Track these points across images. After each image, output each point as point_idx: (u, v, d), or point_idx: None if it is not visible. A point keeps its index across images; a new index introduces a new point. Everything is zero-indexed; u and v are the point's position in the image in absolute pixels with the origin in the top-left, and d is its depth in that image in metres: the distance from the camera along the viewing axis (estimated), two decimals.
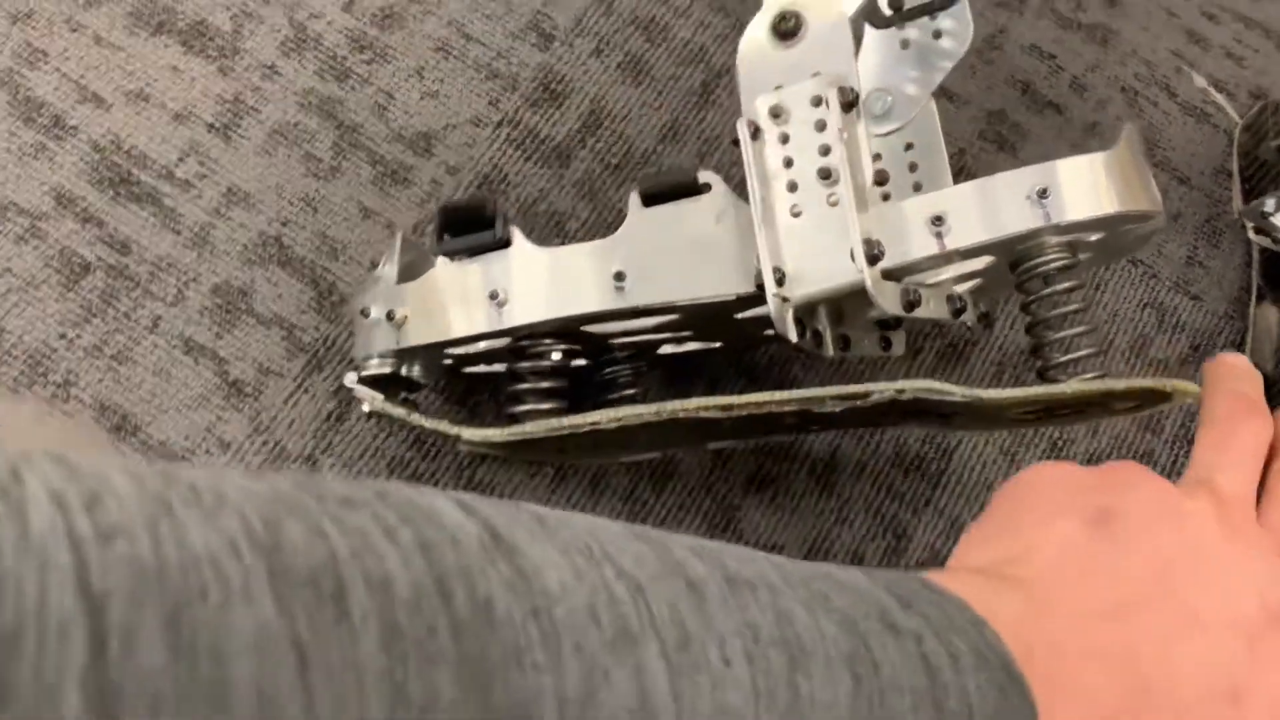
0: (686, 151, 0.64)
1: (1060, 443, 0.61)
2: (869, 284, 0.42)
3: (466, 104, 0.63)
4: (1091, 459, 0.61)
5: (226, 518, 0.18)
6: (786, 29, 0.45)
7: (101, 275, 0.57)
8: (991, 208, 0.43)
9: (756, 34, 0.46)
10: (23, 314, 0.56)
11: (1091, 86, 0.70)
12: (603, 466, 0.57)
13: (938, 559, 0.58)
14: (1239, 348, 0.65)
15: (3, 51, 0.59)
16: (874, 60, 0.56)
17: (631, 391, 0.54)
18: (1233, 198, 0.68)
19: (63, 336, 0.56)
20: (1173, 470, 0.62)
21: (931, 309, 0.46)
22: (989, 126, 0.68)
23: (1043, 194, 0.43)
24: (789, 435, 0.57)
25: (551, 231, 0.61)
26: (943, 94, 0.68)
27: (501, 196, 0.61)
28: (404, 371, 0.51)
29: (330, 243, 0.59)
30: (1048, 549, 0.33)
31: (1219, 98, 0.71)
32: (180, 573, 0.16)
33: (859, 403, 0.43)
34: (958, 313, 0.47)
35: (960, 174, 0.67)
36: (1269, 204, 0.61)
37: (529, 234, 0.61)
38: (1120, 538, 0.33)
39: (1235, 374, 0.43)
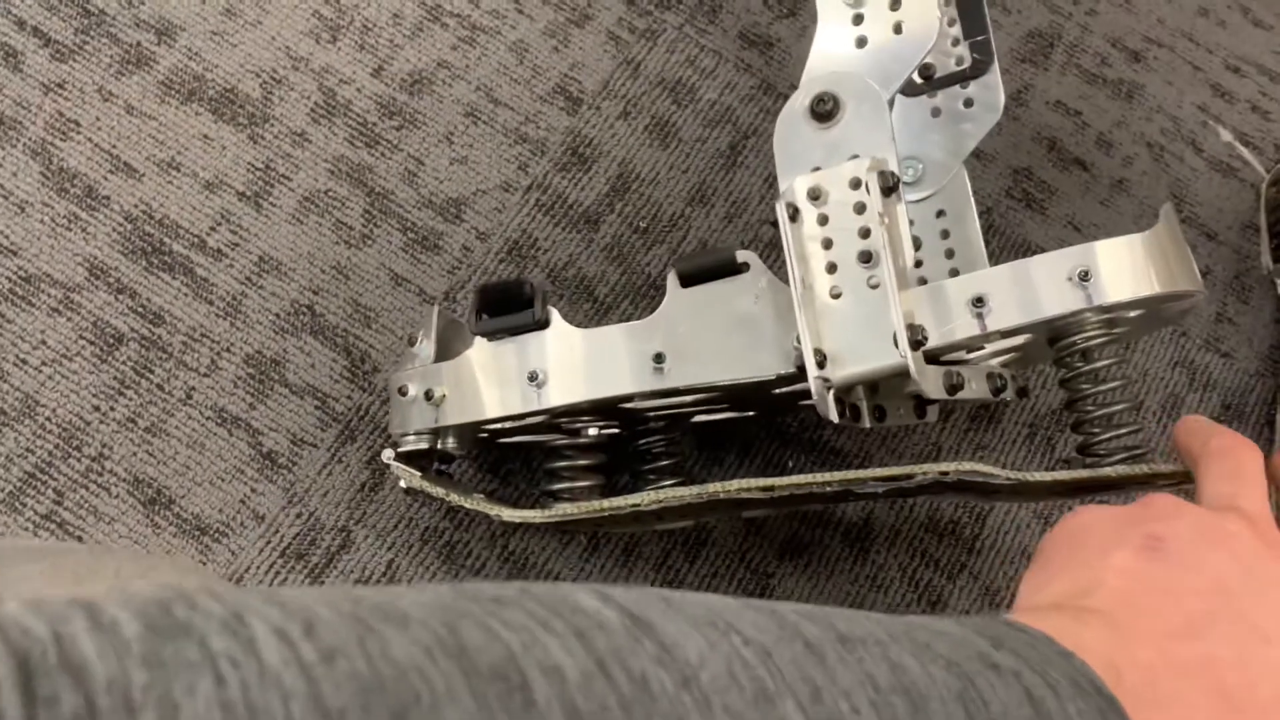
0: (714, 213, 0.64)
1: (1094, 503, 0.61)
2: (912, 369, 0.42)
3: (496, 169, 0.63)
4: None
5: (416, 629, 0.20)
6: (824, 111, 0.45)
7: (135, 346, 0.57)
8: (1033, 289, 0.43)
9: (793, 115, 0.46)
10: (57, 387, 0.56)
11: (1117, 143, 0.70)
12: (635, 535, 0.57)
13: None
14: (1272, 405, 0.65)
15: (35, 122, 0.60)
16: (904, 128, 0.56)
17: (666, 462, 0.54)
18: (1261, 253, 0.68)
19: (96, 409, 0.56)
20: None
21: (974, 390, 0.45)
22: (1015, 184, 0.68)
23: (1084, 276, 0.43)
24: (824, 504, 0.57)
25: (581, 295, 0.61)
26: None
27: (531, 261, 0.61)
28: (439, 445, 0.50)
29: (362, 310, 0.59)
30: (1112, 579, 0.34)
31: (1245, 152, 0.71)
32: (395, 682, 0.19)
33: (904, 484, 0.43)
34: (998, 391, 0.47)
35: (988, 232, 0.67)
36: None
37: (558, 299, 0.61)
38: (1175, 560, 0.34)
39: (1206, 423, 0.43)
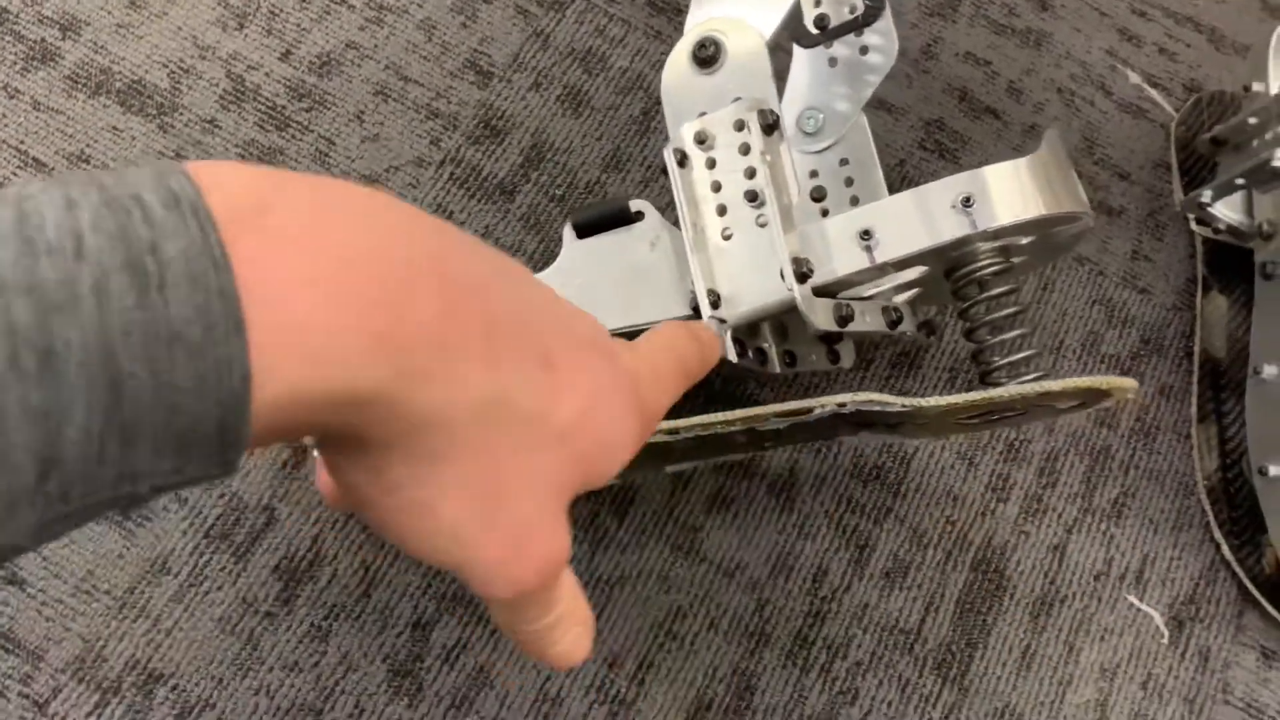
0: (630, 179, 0.64)
1: (1018, 443, 0.62)
2: (799, 301, 0.42)
3: (408, 145, 0.63)
4: (1050, 458, 0.62)
5: None
6: (706, 56, 0.46)
7: None
8: (918, 219, 0.44)
9: (678, 62, 0.47)
10: None
11: (1028, 90, 0.70)
12: None
13: (901, 567, 0.58)
14: (1189, 338, 0.66)
15: None
16: (803, 79, 0.57)
17: None
18: (1173, 191, 0.69)
19: None
20: (1130, 465, 0.62)
21: (867, 322, 0.46)
22: (928, 135, 0.68)
23: (967, 202, 0.43)
24: (744, 454, 0.57)
25: None
26: (880, 106, 0.69)
27: None
28: None
29: None
30: None
31: (1154, 94, 0.72)
32: None
33: (804, 418, 0.44)
34: (894, 324, 0.48)
35: (902, 183, 0.67)
36: (1206, 195, 0.62)
37: None
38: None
39: None
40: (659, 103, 0.66)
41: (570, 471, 0.29)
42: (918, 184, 0.67)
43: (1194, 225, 0.66)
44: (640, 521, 0.58)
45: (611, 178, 0.64)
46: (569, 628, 0.32)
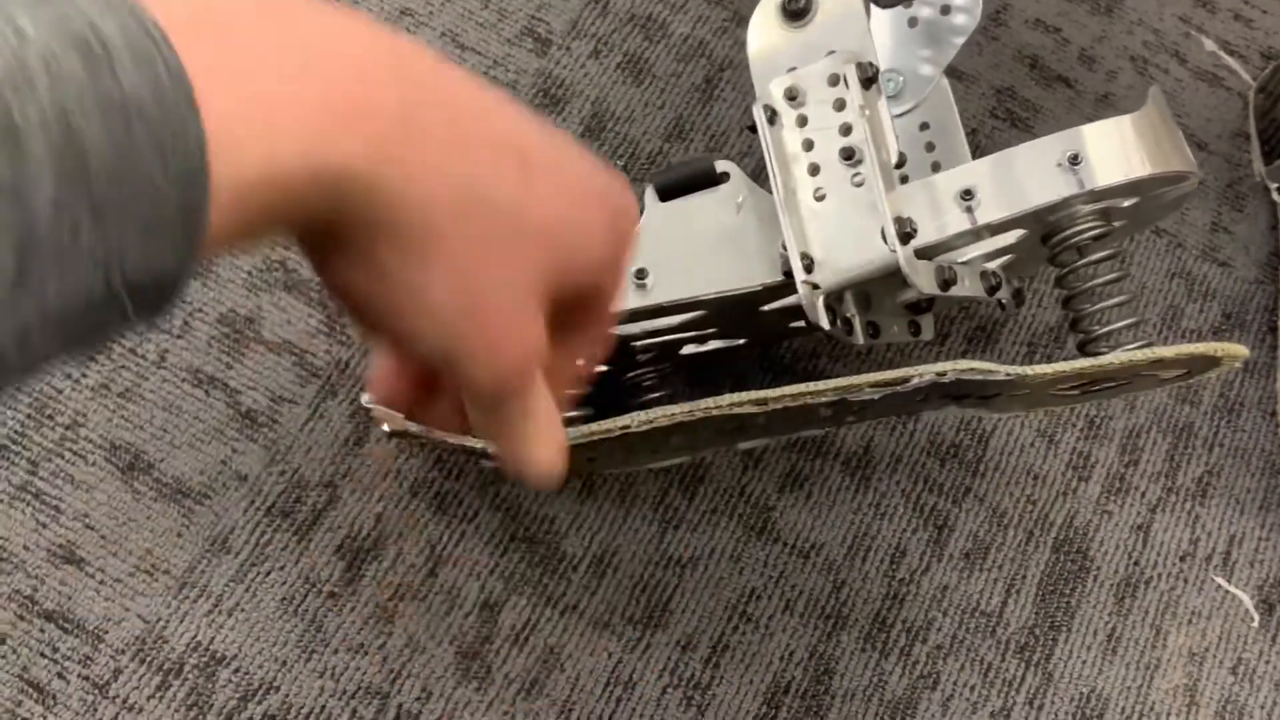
0: (694, 148, 0.62)
1: (1098, 420, 0.60)
2: (903, 263, 0.40)
3: None
4: (1131, 435, 0.59)
5: None
6: (796, 9, 0.44)
7: None
8: (1022, 178, 0.42)
9: (765, 17, 0.45)
10: None
11: (1100, 58, 0.68)
12: (631, 476, 0.56)
13: (981, 547, 0.56)
14: (1272, 313, 0.64)
15: None
16: (882, 41, 0.55)
17: (657, 395, 0.53)
18: (1253, 160, 0.66)
19: (68, 376, 0.54)
20: (1215, 442, 0.60)
21: (967, 287, 0.44)
22: (999, 104, 0.66)
23: (1074, 160, 0.41)
24: (822, 429, 0.55)
25: None
26: (949, 73, 0.67)
27: None
28: None
29: None
30: None
31: (1230, 61, 0.70)
32: None
33: (899, 388, 0.42)
34: (993, 289, 0.46)
35: (975, 153, 0.65)
36: None
37: None
38: None
39: None
40: (721, 70, 0.64)
41: (546, 268, 0.29)
42: (990, 152, 0.65)
43: (1276, 196, 0.64)
44: (711, 500, 0.56)
45: (674, 147, 0.62)
46: (544, 439, 0.33)
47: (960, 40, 0.53)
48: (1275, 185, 0.64)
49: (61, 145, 0.19)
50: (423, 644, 0.52)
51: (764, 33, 0.45)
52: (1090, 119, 0.66)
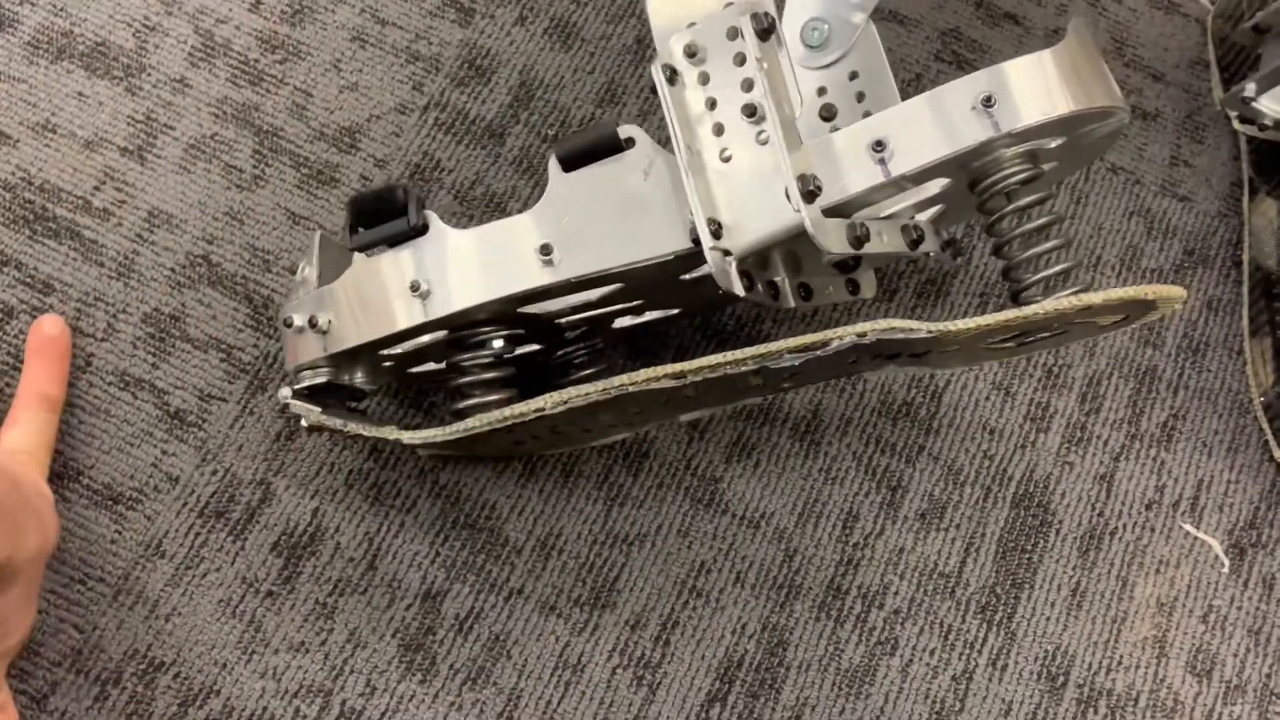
0: (628, 113, 0.60)
1: (1056, 369, 0.58)
2: (808, 224, 0.39)
3: (389, 92, 0.60)
4: (1092, 382, 0.58)
5: None
6: None
7: (25, 319, 0.54)
8: (935, 125, 0.40)
9: None
10: None
11: None
12: (574, 454, 0.54)
13: (937, 507, 0.55)
14: (1236, 247, 0.61)
15: None
16: None
17: (590, 371, 0.51)
18: (1212, 89, 0.64)
19: None
20: (1179, 385, 0.58)
21: (885, 243, 0.42)
22: (944, 46, 0.64)
23: (988, 102, 0.39)
24: (761, 397, 0.54)
25: (493, 213, 0.58)
26: (891, 17, 0.64)
27: (435, 183, 0.58)
28: (345, 379, 0.47)
29: (261, 255, 0.56)
30: None
31: None
32: None
33: (819, 352, 0.40)
34: (915, 243, 0.44)
35: None
36: (1250, 88, 0.57)
37: (469, 218, 0.58)
38: None
39: None
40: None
41: None
42: None
43: (1237, 124, 0.61)
44: (657, 475, 0.54)
45: (607, 112, 0.60)
46: None
47: None
48: (1235, 113, 0.61)
49: None
50: (365, 638, 0.51)
51: None
52: None
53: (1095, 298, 0.39)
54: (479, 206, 0.58)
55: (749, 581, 0.53)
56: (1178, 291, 0.40)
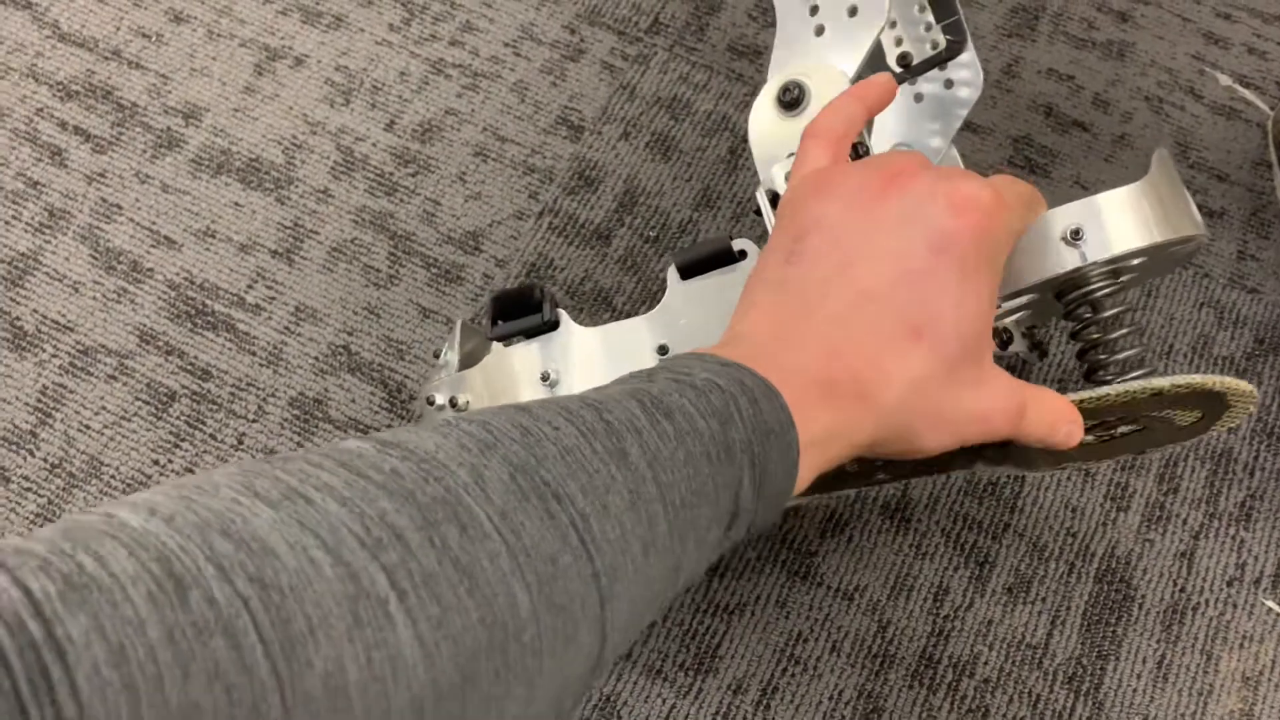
0: (721, 215, 0.66)
1: (1135, 458, 0.61)
2: None
3: (508, 200, 0.66)
4: (1169, 464, 0.60)
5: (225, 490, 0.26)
6: (790, 99, 0.47)
7: (187, 402, 0.60)
8: (1026, 254, 0.44)
9: (764, 107, 0.48)
10: (119, 446, 0.59)
11: (1115, 101, 0.70)
12: None
13: (1023, 581, 0.58)
14: None
15: (82, 210, 0.65)
16: (891, 117, 0.58)
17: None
18: (1275, 187, 0.68)
19: (155, 463, 0.59)
20: (1255, 466, 0.61)
21: None
22: (1016, 153, 0.69)
23: (1075, 235, 0.43)
24: (856, 487, 0.57)
25: (600, 307, 0.64)
26: (966, 127, 0.70)
27: (549, 281, 0.64)
28: None
29: (395, 345, 0.62)
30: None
31: (1246, 93, 0.71)
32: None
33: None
34: (1005, 344, 0.48)
35: None
36: None
37: (578, 312, 0.64)
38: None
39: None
40: (745, 141, 0.68)
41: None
42: None
43: None
44: (755, 548, 0.58)
45: (703, 215, 0.66)
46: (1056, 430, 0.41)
47: (964, 111, 0.56)
48: None
49: (752, 462, 0.32)
50: None
51: (763, 121, 0.48)
52: (1108, 160, 0.69)
53: (1163, 382, 0.42)
54: (588, 301, 0.64)
55: (844, 651, 0.56)
56: (1247, 387, 0.43)
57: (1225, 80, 0.71)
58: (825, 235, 0.38)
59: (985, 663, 0.56)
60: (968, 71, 0.57)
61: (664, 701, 0.55)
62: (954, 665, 0.56)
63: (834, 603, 0.57)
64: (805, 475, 0.35)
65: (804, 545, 0.58)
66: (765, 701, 0.55)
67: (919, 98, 0.58)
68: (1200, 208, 0.68)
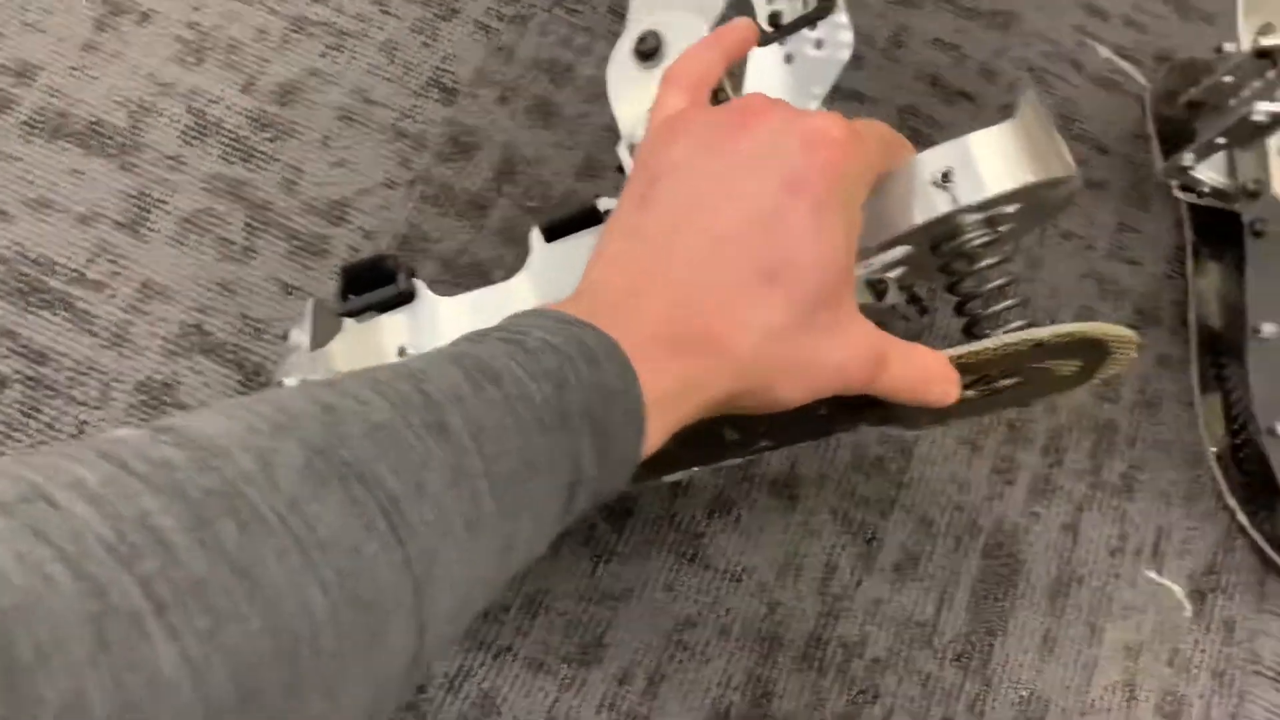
0: (605, 184, 0.63)
1: (1019, 424, 0.60)
2: None
3: (376, 168, 0.62)
4: (1054, 436, 0.60)
5: None
6: (648, 50, 0.45)
7: (20, 388, 0.55)
8: (894, 200, 0.43)
9: (621, 58, 0.46)
10: None
11: (1000, 71, 0.70)
12: None
13: (911, 558, 0.57)
14: (1183, 306, 0.65)
15: None
16: (760, 78, 0.56)
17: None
18: (1154, 160, 0.68)
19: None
20: (1137, 438, 0.61)
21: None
22: (902, 123, 0.67)
23: (946, 177, 0.42)
24: (740, 456, 0.56)
25: (478, 281, 0.60)
26: (852, 96, 0.68)
27: (422, 253, 0.60)
28: None
29: (252, 323, 0.58)
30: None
31: (1126, 65, 0.71)
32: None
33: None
34: (880, 296, 0.46)
35: None
36: (1188, 158, 0.61)
37: (455, 287, 0.60)
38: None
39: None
40: None
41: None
42: None
43: (1178, 192, 0.65)
44: (641, 531, 0.56)
45: (585, 185, 0.63)
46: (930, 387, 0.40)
47: (836, 72, 0.54)
48: (1175, 182, 0.65)
49: (593, 427, 0.29)
50: None
51: (620, 73, 0.46)
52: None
53: (1043, 332, 0.41)
54: (465, 274, 0.60)
55: (733, 634, 0.54)
56: (1128, 334, 0.42)
57: (1105, 52, 0.72)
58: (677, 179, 0.36)
59: (875, 642, 0.55)
60: (839, 32, 0.55)
61: (546, 695, 0.52)
62: (843, 646, 0.55)
63: (722, 585, 0.55)
64: (657, 435, 0.32)
65: (691, 527, 0.56)
66: (652, 690, 0.53)
67: (790, 58, 0.56)
68: (1082, 179, 0.68)
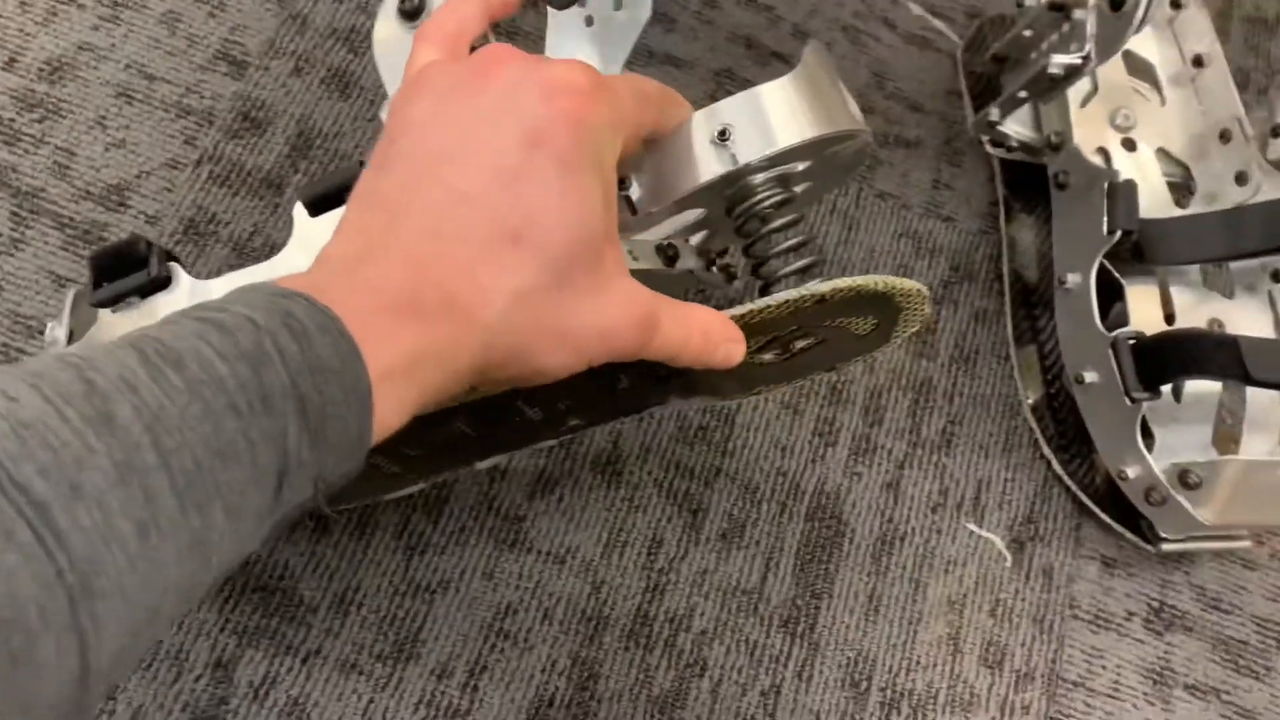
0: None
1: (839, 384, 0.60)
2: None
3: (159, 147, 0.58)
4: (873, 395, 0.60)
5: None
6: (411, 9, 0.42)
7: None
8: (675, 161, 0.41)
9: (386, 18, 0.43)
10: None
11: (813, 31, 0.69)
12: (368, 506, 0.53)
13: (737, 526, 0.56)
14: (998, 261, 0.66)
15: None
16: (560, 41, 0.54)
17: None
18: (966, 116, 0.69)
19: None
20: (954, 393, 0.62)
21: (636, 262, 0.43)
22: (719, 87, 0.66)
23: (723, 135, 0.40)
24: (554, 436, 0.54)
25: None
26: (667, 60, 0.67)
27: (212, 237, 0.56)
28: None
29: (23, 321, 0.53)
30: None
31: (937, 23, 0.72)
32: None
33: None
34: (670, 260, 0.45)
35: None
36: (994, 112, 0.62)
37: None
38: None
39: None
40: None
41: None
42: None
43: (988, 147, 0.66)
44: (458, 519, 0.54)
45: None
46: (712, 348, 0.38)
47: (635, 34, 0.53)
48: (986, 137, 0.65)
49: (302, 407, 0.27)
50: (150, 715, 0.48)
51: (387, 34, 0.43)
52: None
53: (823, 287, 0.39)
54: (260, 257, 0.57)
55: (557, 618, 0.53)
56: (909, 284, 0.41)
57: (916, 10, 0.72)
58: (415, 136, 0.33)
59: (701, 614, 0.54)
60: None
61: (360, 697, 0.50)
62: (670, 620, 0.54)
63: (545, 568, 0.54)
64: (394, 412, 0.30)
65: (512, 510, 0.54)
66: (472, 683, 0.51)
67: (590, 21, 0.55)
68: (896, 138, 0.68)
